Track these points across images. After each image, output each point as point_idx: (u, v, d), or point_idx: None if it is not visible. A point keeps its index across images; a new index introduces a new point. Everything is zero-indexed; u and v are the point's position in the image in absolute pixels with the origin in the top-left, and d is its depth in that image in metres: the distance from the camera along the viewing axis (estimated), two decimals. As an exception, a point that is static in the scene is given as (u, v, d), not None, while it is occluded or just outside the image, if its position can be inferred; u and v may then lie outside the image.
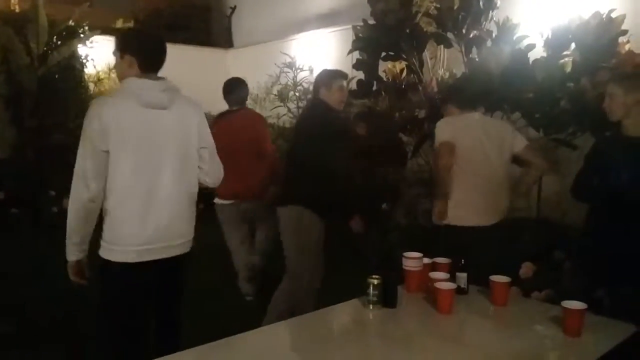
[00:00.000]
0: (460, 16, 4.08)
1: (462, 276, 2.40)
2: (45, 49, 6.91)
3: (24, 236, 6.16)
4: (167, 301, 2.42)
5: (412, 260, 2.45)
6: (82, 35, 7.33)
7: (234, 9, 9.89)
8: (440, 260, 2.58)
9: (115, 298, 2.25)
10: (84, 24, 7.48)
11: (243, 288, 4.11)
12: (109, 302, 2.28)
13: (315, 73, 7.12)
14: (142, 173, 2.18)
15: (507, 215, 3.08)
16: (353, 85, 6.50)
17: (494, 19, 4.21)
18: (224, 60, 9.72)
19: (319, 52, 7.59)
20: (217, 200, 4.12)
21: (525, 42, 4.02)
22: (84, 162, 2.14)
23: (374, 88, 4.75)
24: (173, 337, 2.43)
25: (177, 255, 2.29)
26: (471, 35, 4.22)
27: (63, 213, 5.12)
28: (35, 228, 6.46)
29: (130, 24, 10.92)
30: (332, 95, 3.29)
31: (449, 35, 4.28)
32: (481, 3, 4.25)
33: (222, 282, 4.31)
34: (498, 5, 4.42)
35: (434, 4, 4.30)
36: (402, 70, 5.00)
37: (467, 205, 2.98)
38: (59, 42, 7.13)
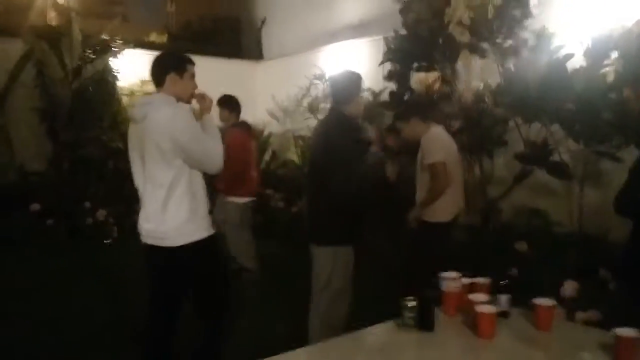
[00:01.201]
0: (495, 25, 3.97)
1: (504, 298, 2.28)
2: (79, 62, 7.02)
3: (59, 247, 6.23)
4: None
5: (450, 281, 2.34)
6: (115, 49, 7.42)
7: (264, 21, 9.93)
8: (480, 280, 2.46)
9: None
10: (117, 38, 7.57)
11: (251, 266, 4.87)
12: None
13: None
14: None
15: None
16: (385, 96, 6.48)
17: (531, 28, 4.09)
18: (254, 73, 9.75)
19: (349, 63, 7.52)
20: (237, 199, 4.73)
21: (563, 52, 3.90)
22: None
23: (406, 99, 4.67)
24: None
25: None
26: (507, 45, 4.10)
27: (98, 225, 5.14)
28: (70, 239, 6.54)
29: (163, 38, 11.14)
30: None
31: (484, 44, 4.18)
32: (516, 12, 4.15)
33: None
34: (534, 14, 4.30)
35: (468, 13, 4.20)
36: (434, 81, 4.91)
37: (444, 205, 3.52)
38: (93, 56, 7.23)
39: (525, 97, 3.68)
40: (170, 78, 2.59)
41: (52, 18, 8.47)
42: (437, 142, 3.47)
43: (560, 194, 4.92)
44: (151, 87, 8.43)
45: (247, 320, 3.89)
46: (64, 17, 7.61)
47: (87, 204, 6.97)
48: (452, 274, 2.38)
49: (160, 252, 2.58)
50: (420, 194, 3.63)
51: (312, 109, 7.02)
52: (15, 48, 7.17)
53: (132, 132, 2.66)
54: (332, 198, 2.93)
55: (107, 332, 3.80)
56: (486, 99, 4.25)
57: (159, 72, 2.62)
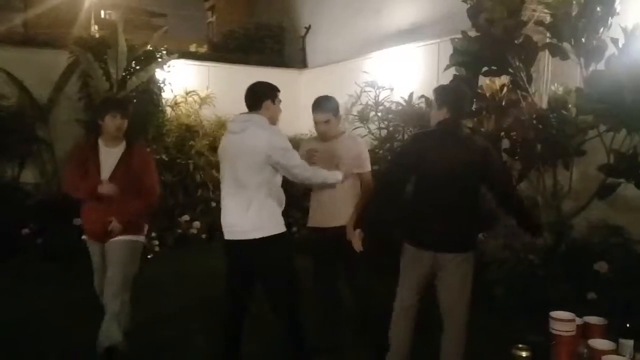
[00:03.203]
0: (580, 24, 3.57)
1: (628, 344, 1.91)
2: (124, 73, 6.87)
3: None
4: None
5: (563, 323, 1.97)
6: (159, 60, 7.27)
7: (308, 28, 9.69)
8: (594, 320, 2.09)
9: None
10: (162, 49, 7.43)
11: None
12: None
13: (397, 91, 6.80)
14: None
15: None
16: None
17: (620, 25, 3.68)
18: (298, 81, 9.51)
19: (400, 69, 7.19)
20: None
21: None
22: None
23: (474, 107, 4.30)
24: None
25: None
26: (591, 45, 3.70)
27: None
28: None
29: (203, 49, 11.03)
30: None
31: (565, 45, 3.78)
32: (600, 9, 3.75)
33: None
34: (618, 11, 3.89)
35: (547, 12, 3.82)
36: (502, 87, 4.53)
37: None
38: (138, 67, 7.09)
39: (618, 103, 3.27)
40: (266, 104, 3.18)
41: (96, 31, 8.42)
42: None
43: (640, 209, 4.47)
44: (196, 98, 8.01)
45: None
46: (110, 28, 7.50)
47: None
48: (565, 315, 2.02)
49: (243, 244, 3.14)
50: None
51: (363, 117, 6.69)
52: (60, 60, 7.09)
53: (228, 141, 3.25)
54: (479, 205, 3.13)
55: None
56: (569, 105, 3.85)
57: (256, 98, 3.21)
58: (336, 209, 3.53)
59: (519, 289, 4.41)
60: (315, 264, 3.71)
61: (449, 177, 2.95)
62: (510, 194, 3.20)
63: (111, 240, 3.59)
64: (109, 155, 3.57)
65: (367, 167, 3.62)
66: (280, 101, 3.28)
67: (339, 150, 3.55)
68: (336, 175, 3.33)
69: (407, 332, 3.11)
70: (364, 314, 3.64)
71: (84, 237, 3.79)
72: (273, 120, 3.21)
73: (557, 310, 2.18)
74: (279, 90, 3.29)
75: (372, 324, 3.58)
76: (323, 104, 3.64)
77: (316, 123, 3.62)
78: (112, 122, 3.52)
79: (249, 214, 3.07)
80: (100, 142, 3.61)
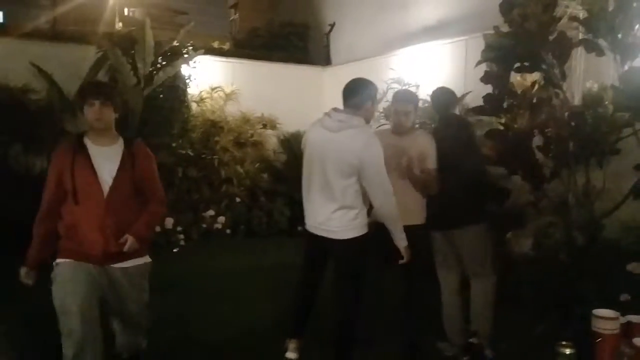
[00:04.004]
0: (617, 20, 3.50)
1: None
2: (151, 69, 6.93)
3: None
4: None
5: (607, 321, 1.93)
6: (186, 56, 7.31)
7: (332, 26, 9.67)
8: (636, 319, 2.05)
9: None
10: (188, 44, 7.47)
11: None
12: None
13: (423, 89, 6.75)
14: None
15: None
16: (468, 101, 6.07)
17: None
18: (321, 78, 9.51)
19: (426, 66, 7.14)
20: None
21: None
22: None
23: (505, 104, 4.23)
24: None
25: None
26: (629, 42, 3.62)
27: (166, 233, 4.88)
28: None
29: (226, 46, 11.09)
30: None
31: (601, 41, 3.71)
32: (635, 4, 3.66)
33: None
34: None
35: (581, 7, 3.75)
36: (533, 84, 4.46)
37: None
38: (164, 63, 7.14)
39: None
40: (367, 106, 3.21)
41: (120, 28, 8.51)
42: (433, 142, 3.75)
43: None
44: (221, 94, 8.02)
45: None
46: (133, 26, 7.58)
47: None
48: (609, 313, 1.98)
49: (327, 242, 3.20)
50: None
51: (389, 114, 6.64)
52: (89, 55, 7.18)
53: (319, 137, 3.19)
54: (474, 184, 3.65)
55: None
56: (605, 103, 3.77)
57: (360, 98, 3.19)
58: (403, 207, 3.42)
59: (549, 288, 4.36)
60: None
61: (443, 167, 3.55)
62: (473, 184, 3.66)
63: (121, 265, 2.84)
64: (103, 156, 2.81)
65: (432, 165, 3.58)
66: (376, 100, 3.35)
67: (410, 146, 3.54)
68: (400, 234, 3.24)
69: (455, 309, 3.80)
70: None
71: (59, 260, 2.79)
72: (369, 120, 3.27)
73: (591, 310, 2.15)
74: (377, 90, 3.37)
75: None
76: (407, 95, 3.78)
77: (396, 113, 3.62)
78: (91, 111, 2.77)
79: (335, 215, 3.14)
80: (87, 141, 2.84)
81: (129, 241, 2.76)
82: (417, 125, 3.83)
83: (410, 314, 3.73)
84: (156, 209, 2.98)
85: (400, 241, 3.24)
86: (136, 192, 2.86)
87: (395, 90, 3.73)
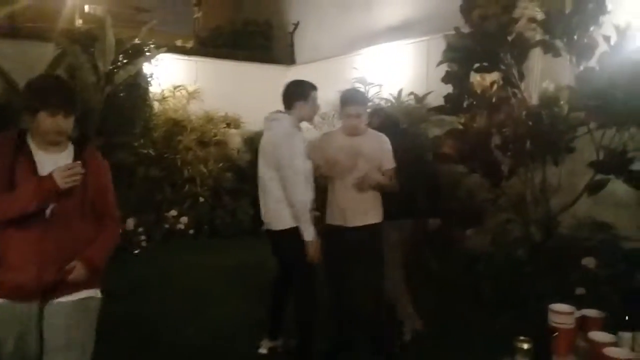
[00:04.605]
0: (573, 21, 3.62)
1: (627, 337, 1.93)
2: (112, 67, 6.79)
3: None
4: None
5: (563, 316, 1.98)
6: (148, 54, 7.20)
7: (296, 25, 9.67)
8: (591, 313, 2.11)
9: None
10: (150, 42, 7.35)
11: None
12: None
13: (387, 88, 6.82)
14: None
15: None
16: (430, 100, 6.16)
17: (613, 22, 3.73)
18: (285, 77, 9.47)
19: (389, 66, 7.20)
20: None
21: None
22: None
23: (465, 103, 4.32)
24: None
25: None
26: (583, 43, 3.74)
27: (127, 234, 4.76)
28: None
29: (189, 44, 10.96)
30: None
31: (557, 42, 3.82)
32: (592, 6, 3.79)
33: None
34: (609, 9, 3.94)
35: (539, 9, 3.85)
36: (492, 83, 4.56)
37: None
38: (125, 61, 7.01)
39: (610, 100, 3.31)
40: (298, 104, 3.35)
41: (80, 25, 8.31)
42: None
43: (629, 206, 4.53)
44: (183, 92, 7.87)
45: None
46: (93, 23, 7.42)
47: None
48: (564, 307, 2.03)
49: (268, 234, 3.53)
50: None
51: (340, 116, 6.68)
52: (47, 52, 6.97)
53: (263, 138, 3.46)
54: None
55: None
56: (561, 102, 3.89)
57: (290, 98, 3.37)
58: (358, 209, 3.42)
59: (506, 284, 4.46)
60: (329, 263, 3.52)
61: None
62: None
63: (58, 300, 2.18)
64: (49, 164, 2.15)
65: (390, 165, 3.51)
66: (315, 99, 3.43)
67: (363, 147, 3.42)
68: (309, 229, 3.25)
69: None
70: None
71: None
72: (305, 119, 3.45)
73: (547, 304, 2.20)
74: (314, 88, 3.45)
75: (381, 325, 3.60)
76: (358, 96, 3.56)
77: (348, 116, 3.42)
78: (51, 123, 2.14)
79: (269, 206, 3.41)
80: (31, 143, 2.20)
81: (77, 268, 2.17)
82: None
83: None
84: (113, 231, 2.39)
85: (308, 229, 3.25)
86: (86, 209, 2.26)
87: (343, 91, 3.55)
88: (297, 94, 3.38)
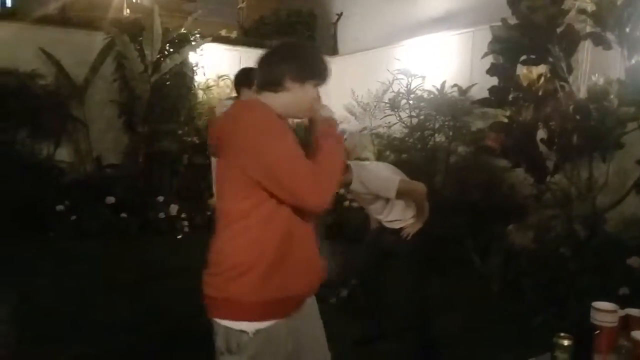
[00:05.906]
0: (626, 13, 3.50)
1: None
2: (158, 56, 6.95)
3: (129, 241, 6.18)
4: None
5: (606, 314, 1.94)
6: (193, 43, 7.33)
7: (340, 15, 9.65)
8: (634, 312, 2.06)
9: None
10: (196, 32, 7.48)
11: None
12: None
13: (430, 80, 6.74)
14: None
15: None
16: (474, 93, 6.05)
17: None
18: (328, 68, 9.49)
19: (433, 58, 7.12)
20: None
21: None
22: None
23: (511, 96, 4.24)
24: None
25: None
26: (636, 35, 3.62)
27: (170, 219, 4.83)
28: (140, 233, 6.48)
29: (233, 34, 11.08)
30: None
31: (608, 35, 3.71)
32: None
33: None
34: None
35: (590, 0, 3.75)
36: (539, 77, 4.46)
37: None
38: (172, 50, 7.15)
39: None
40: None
41: (128, 15, 8.52)
42: None
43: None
44: (227, 82, 8.00)
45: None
46: (141, 13, 7.59)
47: (161, 198, 6.90)
48: (608, 306, 1.99)
49: None
50: None
51: (394, 105, 6.65)
52: (96, 41, 7.20)
53: None
54: None
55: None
56: (610, 96, 3.77)
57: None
58: None
59: (548, 280, 4.38)
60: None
61: None
62: None
63: None
64: None
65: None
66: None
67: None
68: None
69: None
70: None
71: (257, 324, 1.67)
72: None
73: (590, 302, 2.17)
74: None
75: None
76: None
77: None
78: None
79: None
80: None
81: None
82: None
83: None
84: None
85: None
86: None
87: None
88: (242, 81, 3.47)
